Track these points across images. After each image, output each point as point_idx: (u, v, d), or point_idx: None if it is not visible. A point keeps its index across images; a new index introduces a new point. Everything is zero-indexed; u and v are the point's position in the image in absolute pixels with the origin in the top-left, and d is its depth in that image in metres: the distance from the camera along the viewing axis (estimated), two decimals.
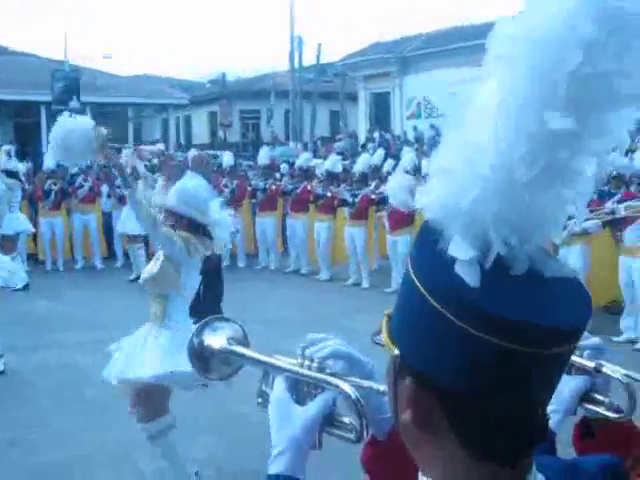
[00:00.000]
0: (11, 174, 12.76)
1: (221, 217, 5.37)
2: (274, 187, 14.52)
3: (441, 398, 0.91)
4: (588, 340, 1.63)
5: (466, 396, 0.89)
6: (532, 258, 0.91)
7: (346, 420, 1.35)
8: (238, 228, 12.88)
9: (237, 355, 1.55)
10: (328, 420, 1.34)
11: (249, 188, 14.94)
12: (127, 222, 12.52)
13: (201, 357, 1.58)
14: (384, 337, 1.00)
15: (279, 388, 1.36)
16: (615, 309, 9.41)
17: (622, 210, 8.67)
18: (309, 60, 33.51)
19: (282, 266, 14.36)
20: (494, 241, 0.89)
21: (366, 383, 1.34)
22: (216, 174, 15.36)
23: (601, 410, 1.61)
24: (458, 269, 0.88)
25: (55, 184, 14.69)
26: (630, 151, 11.50)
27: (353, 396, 1.30)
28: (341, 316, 9.68)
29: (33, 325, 9.59)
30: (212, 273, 9.50)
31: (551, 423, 1.55)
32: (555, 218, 0.93)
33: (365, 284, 12.57)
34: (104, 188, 15.02)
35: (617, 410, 1.60)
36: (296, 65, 31.55)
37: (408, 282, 0.94)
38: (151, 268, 4.91)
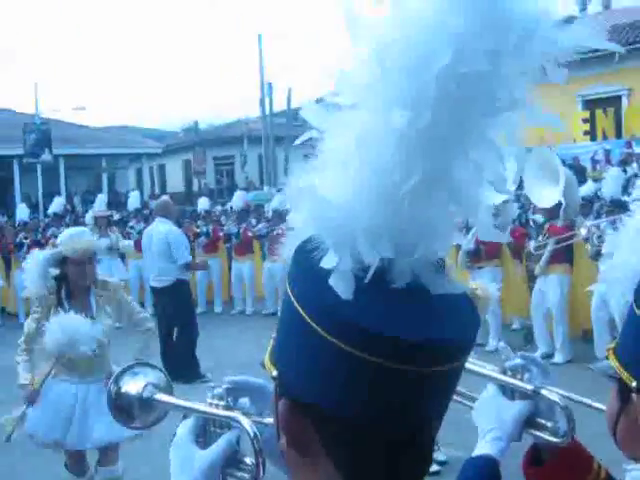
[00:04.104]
0: None
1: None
2: (249, 232, 14.50)
3: (316, 421, 0.87)
4: (530, 363, 1.60)
5: (341, 419, 0.84)
6: (416, 273, 0.87)
7: (247, 460, 1.29)
8: None
9: (152, 401, 1.50)
10: (231, 461, 1.28)
11: (221, 233, 14.92)
12: None
13: (121, 406, 1.52)
14: (265, 358, 0.96)
15: (182, 431, 1.31)
16: (591, 337, 9.41)
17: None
18: (280, 105, 33.79)
19: (259, 309, 14.26)
20: (363, 253, 0.84)
21: (269, 420, 1.28)
22: (191, 219, 15.40)
23: (545, 435, 1.56)
24: (332, 281, 0.83)
25: (27, 238, 14.58)
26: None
27: (251, 432, 1.25)
28: None
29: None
30: (186, 320, 9.46)
31: (494, 451, 1.53)
32: (443, 232, 0.88)
33: None
34: None
35: (563, 434, 1.54)
36: (267, 111, 31.78)
37: (286, 300, 0.90)
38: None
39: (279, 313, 0.94)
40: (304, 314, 0.84)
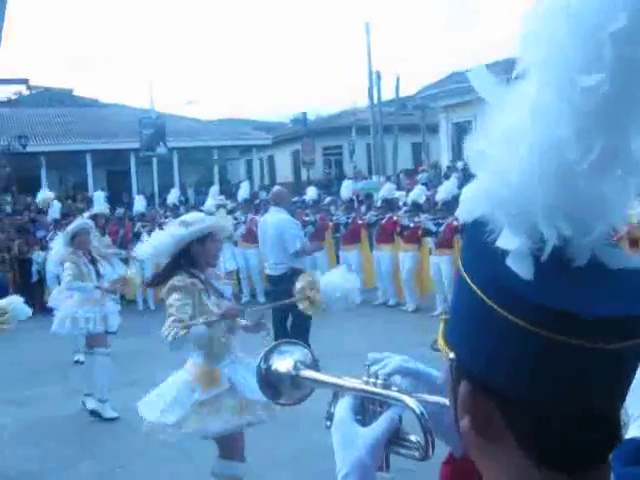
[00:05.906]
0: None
1: None
2: (359, 220, 14.54)
3: (499, 402, 0.85)
4: None
5: (525, 400, 0.83)
6: (594, 249, 0.84)
7: (412, 438, 1.27)
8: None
9: (303, 378, 1.52)
10: (394, 439, 1.27)
11: (330, 223, 15.00)
12: None
13: (270, 382, 1.56)
14: (439, 341, 0.95)
15: (342, 409, 1.31)
16: None
17: None
18: (388, 94, 33.66)
19: (369, 299, 14.27)
20: (545, 233, 0.81)
21: (433, 398, 1.27)
22: (300, 209, 15.58)
23: None
24: (510, 262, 0.81)
25: (144, 227, 15.11)
26: None
27: (417, 411, 1.23)
28: (426, 346, 9.49)
29: (124, 363, 9.80)
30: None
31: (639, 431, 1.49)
32: (619, 207, 0.84)
33: None
34: None
35: None
36: (375, 100, 31.71)
37: (460, 280, 0.88)
38: None
39: (453, 294, 0.93)
40: (482, 295, 0.83)
